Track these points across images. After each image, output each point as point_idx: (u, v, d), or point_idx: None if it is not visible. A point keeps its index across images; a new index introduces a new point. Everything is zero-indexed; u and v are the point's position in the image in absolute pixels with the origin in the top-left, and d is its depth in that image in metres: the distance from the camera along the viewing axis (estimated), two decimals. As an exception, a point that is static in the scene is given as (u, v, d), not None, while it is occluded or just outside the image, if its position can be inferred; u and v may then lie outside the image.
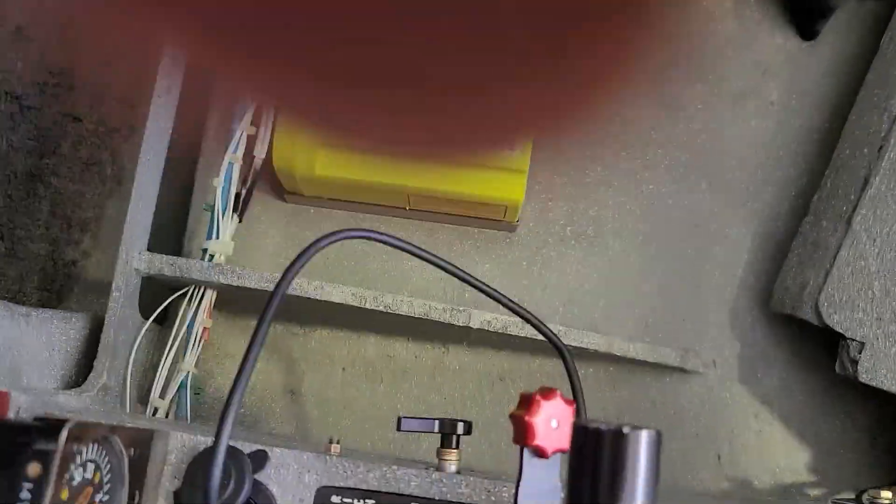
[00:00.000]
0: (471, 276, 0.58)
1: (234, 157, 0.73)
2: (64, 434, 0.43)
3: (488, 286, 0.58)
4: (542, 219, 0.84)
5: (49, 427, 0.48)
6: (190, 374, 0.71)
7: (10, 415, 0.53)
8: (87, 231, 0.83)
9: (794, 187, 0.83)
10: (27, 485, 0.43)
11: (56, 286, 0.82)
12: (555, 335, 0.59)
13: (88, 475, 0.46)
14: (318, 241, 0.51)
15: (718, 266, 0.82)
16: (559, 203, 0.84)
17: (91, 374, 0.65)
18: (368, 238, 0.55)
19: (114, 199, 0.84)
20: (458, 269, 0.58)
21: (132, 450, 0.48)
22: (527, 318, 0.59)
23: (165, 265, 0.69)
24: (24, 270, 0.82)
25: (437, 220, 0.83)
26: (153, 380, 0.71)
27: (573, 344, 0.72)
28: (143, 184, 0.69)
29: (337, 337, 0.81)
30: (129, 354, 0.69)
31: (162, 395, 0.70)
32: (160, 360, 0.73)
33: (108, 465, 0.47)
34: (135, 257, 0.68)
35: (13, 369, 0.61)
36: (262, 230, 0.81)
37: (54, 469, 0.44)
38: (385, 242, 0.55)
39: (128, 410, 0.68)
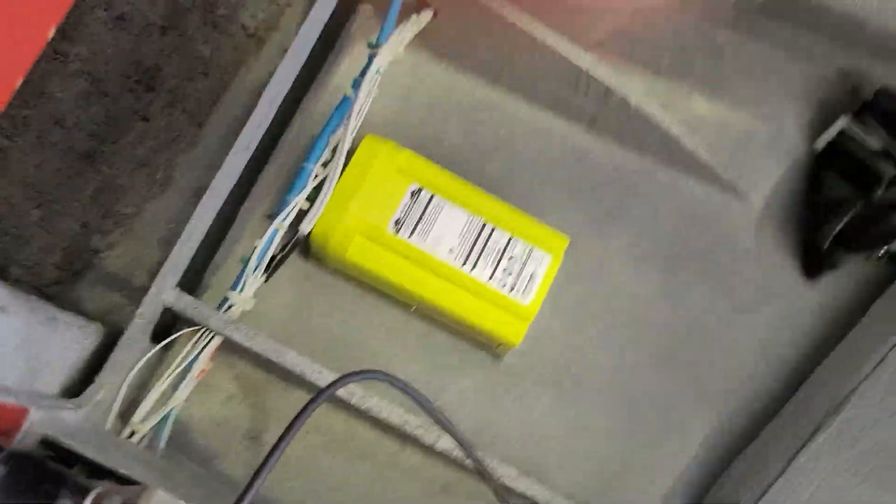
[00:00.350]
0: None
1: (280, 226, 0.79)
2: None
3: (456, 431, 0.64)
4: (531, 354, 0.91)
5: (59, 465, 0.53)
6: (176, 409, 0.76)
7: (23, 429, 0.59)
8: (121, 226, 0.87)
9: (759, 403, 0.91)
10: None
11: (74, 268, 0.86)
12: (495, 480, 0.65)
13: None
14: (335, 382, 0.57)
15: (671, 453, 0.89)
16: (553, 347, 0.91)
17: (90, 388, 0.70)
18: (378, 380, 0.61)
19: (153, 203, 0.88)
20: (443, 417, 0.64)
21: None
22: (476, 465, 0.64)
23: (189, 306, 0.74)
24: (49, 244, 0.85)
25: (434, 325, 0.89)
26: (138, 399, 0.76)
27: (519, 490, 0.79)
28: (197, 227, 0.74)
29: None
30: (128, 374, 0.74)
31: (143, 420, 0.75)
32: (150, 381, 0.78)
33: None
34: (166, 290, 0.73)
35: (31, 369, 0.66)
36: (280, 281, 0.86)
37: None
38: (394, 385, 0.61)
39: (108, 426, 0.73)
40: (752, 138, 0.95)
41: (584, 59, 0.84)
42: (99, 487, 0.50)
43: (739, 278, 0.95)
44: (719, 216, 0.96)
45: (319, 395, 0.57)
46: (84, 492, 0.51)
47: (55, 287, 0.85)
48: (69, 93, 0.87)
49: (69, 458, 0.61)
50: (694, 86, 0.94)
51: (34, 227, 0.85)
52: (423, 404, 0.62)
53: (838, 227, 0.91)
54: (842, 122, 0.91)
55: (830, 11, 0.69)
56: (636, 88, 0.87)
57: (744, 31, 0.90)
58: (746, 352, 0.93)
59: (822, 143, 0.94)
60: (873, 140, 0.89)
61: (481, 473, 0.65)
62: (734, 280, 0.94)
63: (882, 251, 0.93)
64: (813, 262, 0.94)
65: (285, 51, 0.82)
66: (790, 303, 0.94)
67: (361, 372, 0.61)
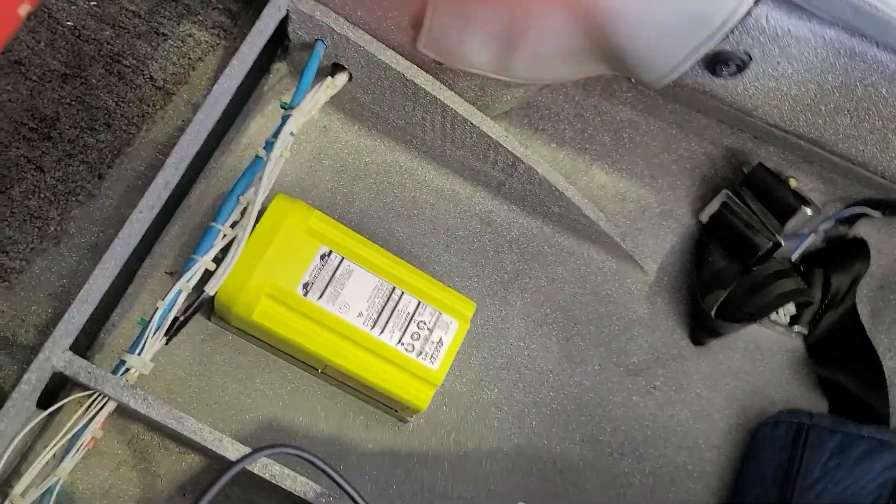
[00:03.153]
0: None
1: (185, 286, 0.76)
2: None
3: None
4: (435, 416, 0.91)
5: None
6: (61, 481, 0.72)
7: None
8: (5, 281, 0.82)
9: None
10: None
11: None
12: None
13: None
14: (248, 455, 0.56)
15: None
16: (456, 410, 0.92)
17: None
18: (299, 457, 0.60)
19: (44, 257, 0.84)
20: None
21: None
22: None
23: (82, 371, 0.70)
24: None
25: (339, 387, 0.89)
26: (19, 469, 0.71)
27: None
28: (94, 288, 0.71)
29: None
30: (10, 443, 0.69)
31: (24, 493, 0.70)
32: (34, 448, 0.73)
33: None
34: (57, 354, 0.69)
35: None
36: (179, 339, 0.83)
37: None
38: (313, 464, 0.60)
39: None
40: (647, 210, 1.01)
41: (493, 129, 0.87)
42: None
43: (634, 343, 0.99)
44: (616, 283, 1.00)
45: (224, 473, 0.55)
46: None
47: None
48: None
49: None
50: (595, 159, 0.99)
51: None
52: (333, 478, 0.61)
53: (721, 298, 0.97)
54: (723, 196, 0.99)
55: (720, 100, 0.75)
56: (541, 159, 0.91)
57: (641, 110, 0.96)
58: (643, 412, 0.97)
59: (706, 215, 1.01)
60: (750, 213, 0.96)
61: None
62: (630, 345, 0.99)
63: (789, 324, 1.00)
64: (700, 330, 0.99)
65: (194, 106, 0.80)
66: (681, 366, 0.99)
67: (272, 446, 0.59)
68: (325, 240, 0.82)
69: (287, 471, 0.73)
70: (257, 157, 0.81)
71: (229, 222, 0.79)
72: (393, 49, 0.83)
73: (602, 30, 0.71)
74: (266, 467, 0.73)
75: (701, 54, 0.68)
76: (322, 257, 0.81)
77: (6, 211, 0.83)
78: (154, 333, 0.75)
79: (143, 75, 0.89)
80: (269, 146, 0.80)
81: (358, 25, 0.82)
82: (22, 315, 0.81)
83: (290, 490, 0.73)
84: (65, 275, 0.83)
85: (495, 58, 0.76)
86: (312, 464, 0.60)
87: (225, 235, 0.78)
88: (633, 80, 0.85)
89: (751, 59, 0.68)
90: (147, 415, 0.71)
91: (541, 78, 0.77)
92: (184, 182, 0.79)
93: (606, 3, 0.67)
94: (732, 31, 0.65)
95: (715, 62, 0.69)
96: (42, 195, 0.84)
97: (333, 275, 0.81)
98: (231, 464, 0.57)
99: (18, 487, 0.70)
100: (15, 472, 0.72)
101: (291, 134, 0.81)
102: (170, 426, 0.71)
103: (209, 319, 0.86)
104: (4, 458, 0.68)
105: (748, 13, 0.64)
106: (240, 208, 0.80)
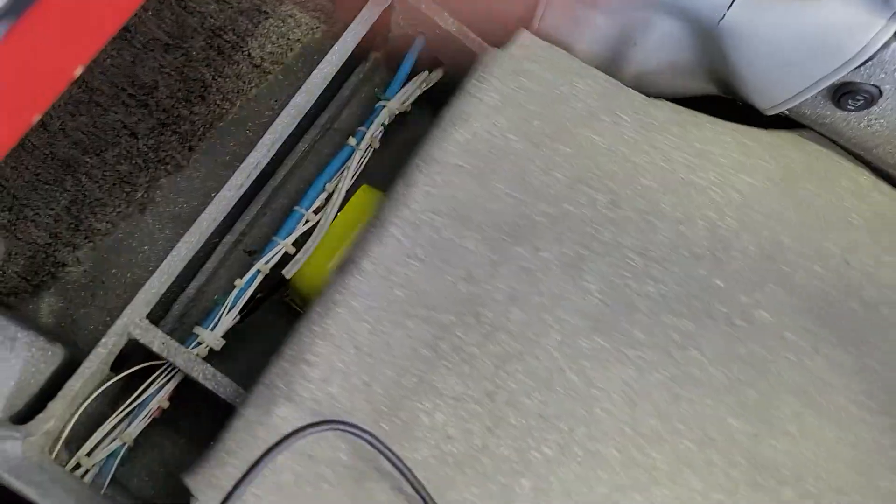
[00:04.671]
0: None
1: (263, 268, 0.76)
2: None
3: None
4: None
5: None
6: (126, 446, 0.72)
7: None
8: (90, 241, 0.83)
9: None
10: None
11: (37, 279, 0.82)
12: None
13: None
14: (298, 431, 0.55)
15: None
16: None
17: (41, 415, 0.65)
18: (348, 432, 0.59)
19: (128, 223, 0.85)
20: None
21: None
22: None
23: (157, 341, 0.70)
24: (14, 250, 0.81)
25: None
26: (89, 429, 0.72)
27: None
28: (176, 260, 0.71)
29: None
30: (83, 404, 0.70)
31: (89, 454, 0.71)
32: (103, 412, 0.74)
33: None
34: (135, 323, 0.70)
35: None
36: (251, 322, 0.83)
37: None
38: (363, 439, 0.59)
39: (54, 456, 0.68)
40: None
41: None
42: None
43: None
44: None
45: (281, 441, 0.55)
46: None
47: (14, 297, 0.81)
48: (60, 97, 0.83)
49: (7, 498, 0.57)
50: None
51: (1, 231, 0.81)
52: (391, 459, 0.60)
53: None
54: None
55: (839, 134, 0.71)
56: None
57: None
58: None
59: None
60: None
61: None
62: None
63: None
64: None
65: (289, 87, 0.80)
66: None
67: (328, 422, 0.58)
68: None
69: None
70: (347, 145, 0.80)
71: (313, 208, 0.78)
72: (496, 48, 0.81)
73: (720, 50, 0.67)
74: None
75: (826, 84, 0.64)
76: (401, 253, 0.80)
77: (98, 173, 0.84)
78: (228, 311, 0.75)
79: (242, 52, 0.89)
80: (359, 136, 0.79)
81: (462, 21, 0.80)
82: (102, 277, 0.83)
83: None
84: (146, 242, 0.84)
85: (602, 64, 0.74)
86: (370, 443, 0.59)
87: (307, 221, 0.78)
88: (740, 104, 0.82)
89: (881, 93, 0.64)
90: (213, 390, 0.71)
91: (645, 90, 0.74)
92: (272, 163, 0.79)
93: (729, 23, 0.64)
94: (864, 63, 0.61)
95: (841, 94, 0.65)
96: (133, 161, 0.85)
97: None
98: (285, 437, 0.56)
99: (85, 448, 0.71)
100: (84, 432, 0.73)
101: (382, 125, 0.80)
102: (234, 404, 0.71)
103: (283, 300, 0.86)
104: (76, 417, 0.69)
105: (885, 45, 0.60)
106: (324, 195, 0.79)
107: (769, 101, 0.69)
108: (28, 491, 0.57)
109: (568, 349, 0.67)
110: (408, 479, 0.60)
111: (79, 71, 0.40)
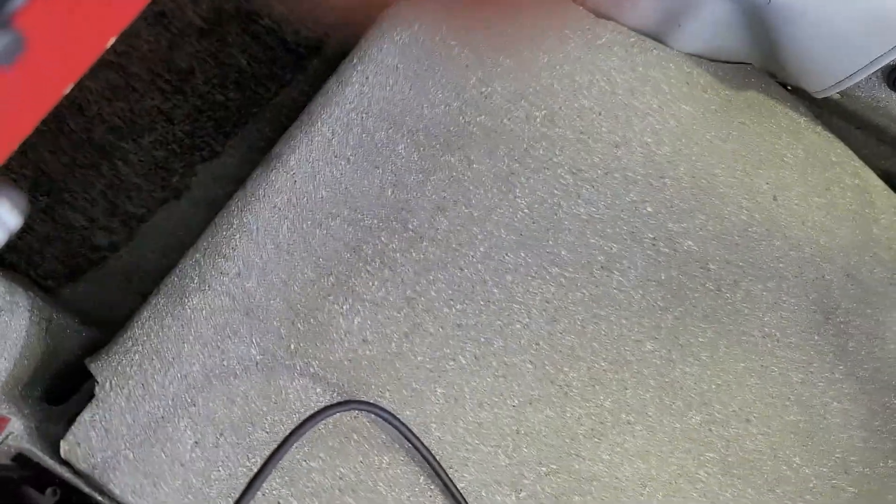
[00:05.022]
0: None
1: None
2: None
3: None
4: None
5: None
6: None
7: None
8: (127, 226, 0.82)
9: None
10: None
11: (73, 263, 0.80)
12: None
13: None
14: (318, 413, 0.53)
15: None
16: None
17: (75, 397, 0.63)
18: (372, 412, 0.58)
19: (164, 208, 0.83)
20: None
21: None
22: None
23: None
24: (51, 234, 0.80)
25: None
26: None
27: None
28: None
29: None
30: None
31: None
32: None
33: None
34: None
35: (14, 371, 0.58)
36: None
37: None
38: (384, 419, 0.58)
39: None
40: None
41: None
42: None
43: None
44: None
45: (304, 424, 0.54)
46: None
47: (51, 280, 0.79)
48: (97, 82, 0.82)
49: (42, 477, 0.55)
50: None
51: (39, 215, 0.80)
52: (410, 440, 0.59)
53: None
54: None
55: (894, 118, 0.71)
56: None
57: None
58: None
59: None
60: None
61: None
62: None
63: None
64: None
65: (324, 74, 0.77)
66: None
67: (347, 403, 0.58)
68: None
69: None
70: None
71: None
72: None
73: (769, 31, 0.66)
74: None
75: (882, 64, 0.62)
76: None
77: (134, 158, 0.83)
78: None
79: (277, 37, 0.87)
80: None
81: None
82: (138, 262, 0.81)
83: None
84: (181, 227, 0.82)
85: (655, 25, 0.72)
86: (392, 425, 0.58)
87: None
88: (788, 88, 0.80)
89: (940, 74, 0.63)
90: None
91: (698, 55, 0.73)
92: None
93: (779, 1, 0.62)
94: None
95: (897, 74, 0.64)
96: (169, 147, 0.84)
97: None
98: (306, 419, 0.55)
99: None
100: None
101: None
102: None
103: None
104: None
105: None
106: None
107: (821, 83, 0.68)
108: (62, 470, 0.56)
109: (492, 262, 0.67)
110: (432, 466, 0.60)
111: (111, 41, 0.38)
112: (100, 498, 0.56)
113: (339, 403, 0.57)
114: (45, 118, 0.76)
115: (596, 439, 0.67)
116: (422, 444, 0.60)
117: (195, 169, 0.85)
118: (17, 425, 0.55)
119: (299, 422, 0.55)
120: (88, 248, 0.81)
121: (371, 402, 0.60)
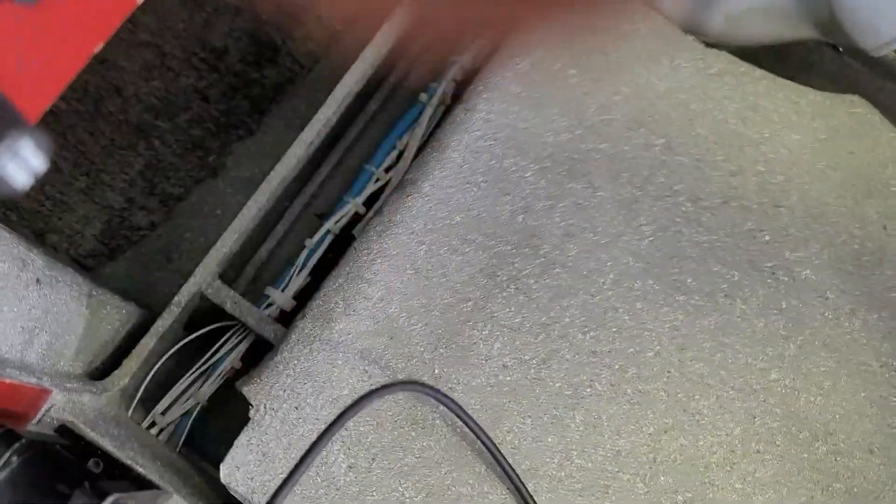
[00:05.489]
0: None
1: (333, 227, 0.75)
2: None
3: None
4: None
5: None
6: (200, 405, 0.70)
7: (40, 413, 0.52)
8: (165, 205, 0.83)
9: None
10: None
11: (113, 243, 0.83)
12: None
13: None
14: (380, 389, 0.53)
15: None
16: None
17: (116, 372, 0.63)
18: (425, 394, 0.57)
19: (201, 188, 0.84)
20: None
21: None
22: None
23: (229, 300, 0.69)
24: (91, 214, 0.83)
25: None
26: (164, 388, 0.70)
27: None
28: (246, 219, 0.69)
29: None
30: (157, 363, 0.67)
31: (164, 412, 0.68)
32: (177, 374, 0.71)
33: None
34: (207, 282, 0.67)
35: (55, 348, 0.59)
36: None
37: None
38: (442, 403, 0.57)
39: (129, 414, 0.66)
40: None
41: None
42: (114, 496, 0.45)
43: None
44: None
45: (361, 400, 0.53)
46: (102, 495, 0.45)
47: (91, 259, 0.81)
48: (133, 63, 0.84)
49: (84, 448, 0.55)
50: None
51: (79, 195, 0.82)
52: (472, 429, 0.58)
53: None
54: None
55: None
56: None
57: (842, 87, 0.88)
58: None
59: None
60: None
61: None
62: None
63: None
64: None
65: (359, 47, 0.79)
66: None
67: (410, 383, 0.57)
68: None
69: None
70: (418, 102, 0.79)
71: (384, 166, 0.77)
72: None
73: None
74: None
75: None
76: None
77: (171, 138, 0.84)
78: (299, 272, 0.73)
79: (311, 13, 0.89)
80: (431, 91, 0.78)
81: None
82: (176, 240, 0.82)
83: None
84: (218, 206, 0.83)
85: (690, 4, 0.73)
86: (449, 408, 0.57)
87: (378, 179, 0.77)
88: (840, 49, 0.80)
89: None
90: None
91: (734, 37, 0.74)
92: (341, 123, 0.77)
93: None
94: None
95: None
96: (205, 126, 0.85)
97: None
98: (361, 397, 0.54)
99: (160, 406, 0.69)
100: (158, 392, 0.71)
101: (455, 81, 0.79)
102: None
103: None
104: (150, 375, 0.67)
105: None
106: (395, 153, 0.77)
107: (877, 38, 0.66)
108: (104, 442, 0.56)
109: (620, 289, 0.67)
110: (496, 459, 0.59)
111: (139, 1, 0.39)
112: (140, 470, 0.54)
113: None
114: (82, 99, 0.77)
115: (728, 468, 0.66)
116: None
117: (231, 147, 0.85)
118: (59, 398, 0.55)
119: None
120: (127, 228, 0.82)
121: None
